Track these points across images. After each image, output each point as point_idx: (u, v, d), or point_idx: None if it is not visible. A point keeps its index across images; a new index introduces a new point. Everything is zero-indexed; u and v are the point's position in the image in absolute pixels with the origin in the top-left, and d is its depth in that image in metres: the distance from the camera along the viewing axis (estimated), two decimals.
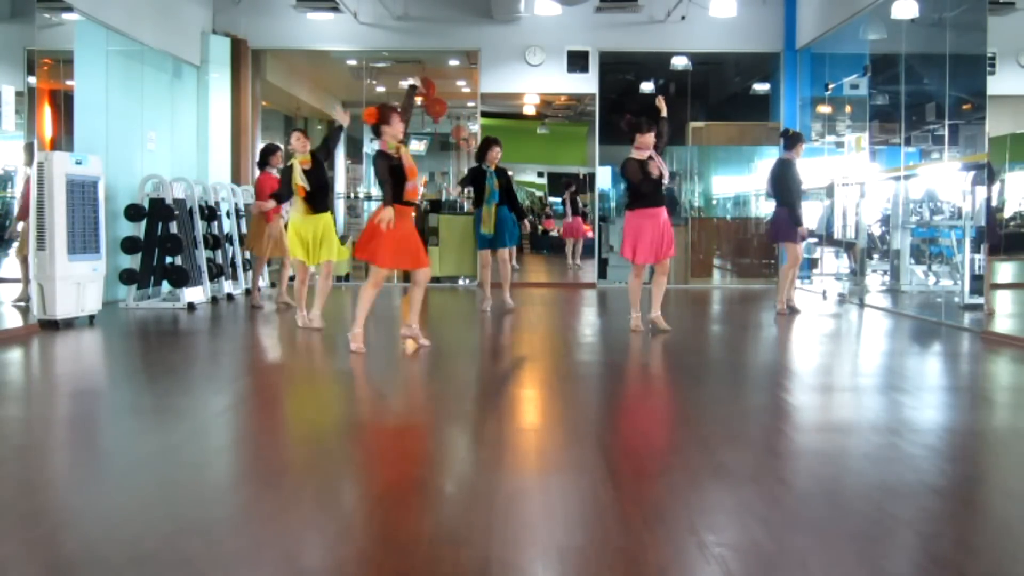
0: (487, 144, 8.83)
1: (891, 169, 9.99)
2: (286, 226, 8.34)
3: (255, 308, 9.10)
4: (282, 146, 10.07)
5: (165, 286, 9.32)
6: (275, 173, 8.76)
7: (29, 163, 7.66)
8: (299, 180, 7.35)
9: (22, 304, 8.04)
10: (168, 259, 9.04)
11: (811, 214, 12.40)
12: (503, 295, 9.12)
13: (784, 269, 8.97)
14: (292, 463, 3.81)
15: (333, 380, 5.79)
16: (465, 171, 10.75)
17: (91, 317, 7.72)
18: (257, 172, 9.31)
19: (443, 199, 14.40)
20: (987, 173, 7.96)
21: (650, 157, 7.09)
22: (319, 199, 7.54)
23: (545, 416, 4.84)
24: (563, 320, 9.19)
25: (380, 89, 15.25)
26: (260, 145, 12.73)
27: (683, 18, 11.89)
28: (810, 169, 12.12)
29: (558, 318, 9.27)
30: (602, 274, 12.70)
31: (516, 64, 12.22)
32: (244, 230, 10.90)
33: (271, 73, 13.09)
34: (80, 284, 7.51)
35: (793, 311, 8.95)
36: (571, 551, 2.76)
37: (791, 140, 8.82)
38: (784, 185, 8.68)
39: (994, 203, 8.22)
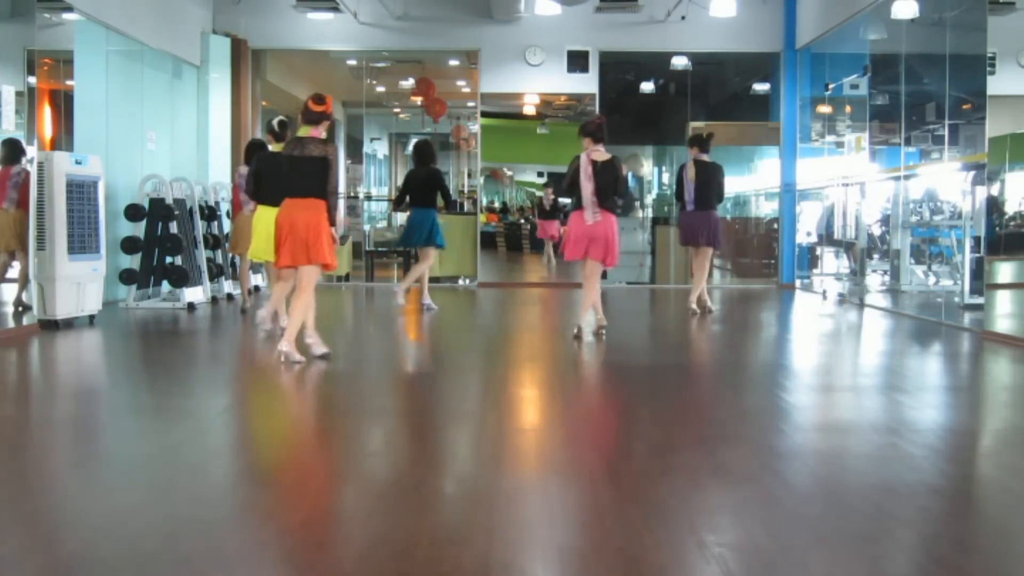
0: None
1: (891, 169, 9.98)
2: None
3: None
4: None
5: (165, 286, 9.32)
6: None
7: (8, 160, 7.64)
8: None
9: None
10: (168, 259, 9.04)
11: (811, 214, 12.44)
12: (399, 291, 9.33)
13: (706, 269, 9.00)
14: (292, 463, 3.81)
15: (332, 380, 5.79)
16: (465, 171, 10.77)
17: (91, 317, 7.72)
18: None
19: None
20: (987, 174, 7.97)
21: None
22: None
23: (545, 416, 4.84)
24: (561, 320, 9.19)
25: (380, 89, 15.26)
26: None
27: (683, 18, 11.89)
28: (810, 169, 12.15)
29: (557, 318, 9.26)
30: (602, 274, 12.67)
31: (516, 64, 12.21)
32: None
33: (271, 73, 13.08)
34: (80, 284, 7.51)
35: (707, 311, 8.91)
36: (571, 551, 2.76)
37: (708, 142, 8.83)
38: (722, 188, 8.85)
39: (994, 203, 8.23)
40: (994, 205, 8.22)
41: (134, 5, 9.59)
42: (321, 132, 5.79)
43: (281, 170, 5.86)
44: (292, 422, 4.74)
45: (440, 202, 9.17)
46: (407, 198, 9.07)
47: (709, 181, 8.67)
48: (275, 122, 7.20)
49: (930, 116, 9.19)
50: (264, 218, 6.73)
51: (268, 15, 12.00)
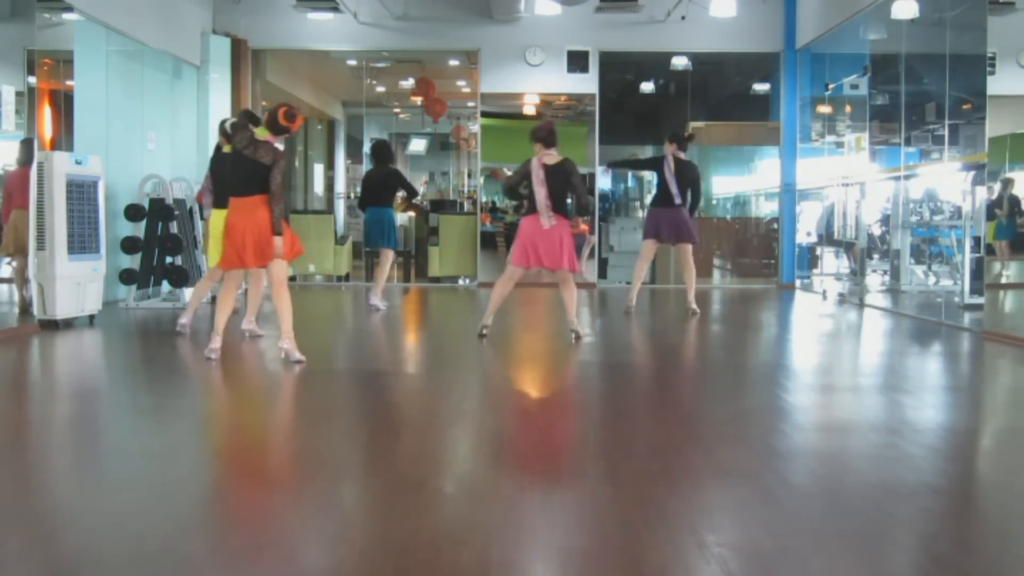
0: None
1: (891, 169, 9.98)
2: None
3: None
4: None
5: (165, 286, 9.32)
6: None
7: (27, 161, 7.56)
8: None
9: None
10: (168, 259, 9.04)
11: (811, 214, 12.44)
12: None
13: (692, 266, 8.96)
14: (292, 463, 3.81)
15: (331, 380, 5.79)
16: (465, 171, 10.77)
17: (91, 317, 7.72)
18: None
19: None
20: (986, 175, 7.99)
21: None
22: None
23: (545, 416, 4.84)
24: (559, 320, 9.18)
25: (380, 89, 15.26)
26: None
27: (683, 18, 11.88)
28: (810, 169, 12.15)
29: (555, 318, 9.25)
30: (602, 274, 12.70)
31: (516, 64, 12.21)
32: None
33: (271, 73, 13.08)
34: (80, 284, 7.51)
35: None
36: (571, 551, 2.76)
37: (688, 142, 8.83)
38: (698, 187, 8.91)
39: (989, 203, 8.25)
40: (1016, 205, 8.24)
41: (134, 5, 9.59)
42: (278, 142, 5.82)
43: (228, 169, 5.91)
44: (291, 421, 4.74)
45: (402, 196, 9.24)
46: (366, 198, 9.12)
47: (685, 179, 8.69)
48: (227, 124, 7.11)
49: (930, 116, 9.19)
50: (219, 223, 6.54)
51: (268, 15, 12.00)
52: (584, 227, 15.23)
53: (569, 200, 7.07)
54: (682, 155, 8.75)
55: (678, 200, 8.69)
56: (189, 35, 11.08)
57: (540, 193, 6.77)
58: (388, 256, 9.11)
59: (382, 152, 9.15)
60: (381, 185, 8.96)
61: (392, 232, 8.98)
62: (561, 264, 6.83)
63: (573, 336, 6.94)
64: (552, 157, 6.84)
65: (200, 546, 2.76)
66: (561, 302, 7.13)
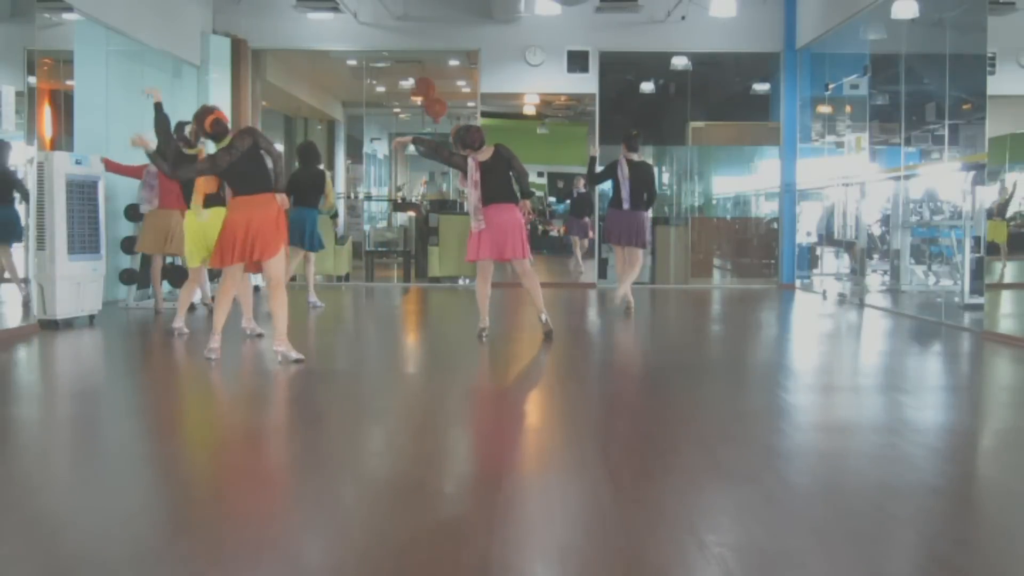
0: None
1: (891, 169, 9.98)
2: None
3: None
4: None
5: (165, 286, 9.32)
6: None
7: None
8: None
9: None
10: (168, 259, 9.04)
11: (811, 214, 12.44)
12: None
13: (631, 271, 8.85)
14: (291, 462, 3.81)
15: (330, 379, 5.79)
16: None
17: (91, 317, 7.72)
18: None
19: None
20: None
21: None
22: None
23: (545, 416, 4.84)
24: (556, 320, 9.18)
25: (380, 89, 15.27)
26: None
27: (683, 18, 11.89)
28: (810, 169, 12.15)
29: (552, 318, 9.26)
30: (602, 274, 12.70)
31: (516, 64, 12.21)
32: None
33: (271, 73, 13.08)
34: (80, 284, 7.51)
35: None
36: (571, 551, 2.76)
37: (636, 141, 8.70)
38: (653, 188, 8.82)
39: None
40: None
41: (134, 5, 9.58)
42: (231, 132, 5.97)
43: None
44: (291, 421, 4.74)
45: (324, 203, 9.28)
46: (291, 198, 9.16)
47: (640, 180, 8.59)
48: (187, 130, 7.09)
49: (930, 116, 9.19)
50: (191, 223, 6.60)
51: (268, 15, 12.00)
52: (563, 228, 15.21)
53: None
54: (634, 156, 8.65)
55: (627, 205, 8.57)
56: (189, 35, 11.08)
57: (473, 196, 6.69)
58: (310, 257, 9.32)
59: (310, 153, 9.30)
60: (308, 186, 9.03)
61: (315, 234, 9.08)
62: (517, 253, 6.78)
63: (544, 329, 6.91)
64: (484, 152, 6.74)
65: (200, 546, 2.76)
66: (529, 295, 7.06)
